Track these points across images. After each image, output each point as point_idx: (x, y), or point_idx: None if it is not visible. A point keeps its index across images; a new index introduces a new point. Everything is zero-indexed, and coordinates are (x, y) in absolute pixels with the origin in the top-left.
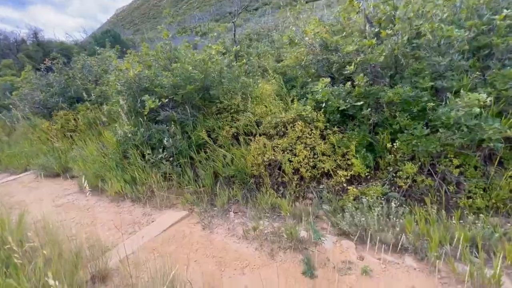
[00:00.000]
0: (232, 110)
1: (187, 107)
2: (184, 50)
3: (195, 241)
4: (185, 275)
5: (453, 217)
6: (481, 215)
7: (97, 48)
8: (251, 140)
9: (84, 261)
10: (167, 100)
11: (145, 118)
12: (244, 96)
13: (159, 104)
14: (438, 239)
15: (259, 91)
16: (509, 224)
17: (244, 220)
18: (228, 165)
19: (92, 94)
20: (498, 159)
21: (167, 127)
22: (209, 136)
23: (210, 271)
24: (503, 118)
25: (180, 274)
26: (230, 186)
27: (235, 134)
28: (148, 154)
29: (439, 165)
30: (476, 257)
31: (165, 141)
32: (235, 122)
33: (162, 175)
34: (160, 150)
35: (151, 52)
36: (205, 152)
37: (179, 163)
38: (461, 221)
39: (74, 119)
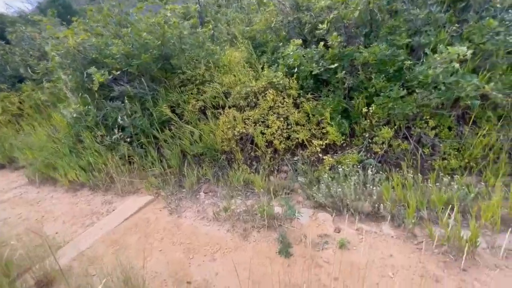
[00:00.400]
0: (197, 81)
1: (144, 80)
2: (136, 13)
3: (161, 228)
4: (149, 268)
5: (429, 180)
6: (455, 176)
7: (37, 17)
8: (220, 113)
9: (27, 264)
10: (119, 72)
11: (96, 95)
12: (209, 65)
13: (110, 77)
14: (415, 204)
15: (226, 59)
16: (482, 183)
17: (215, 201)
18: (196, 142)
19: (36, 71)
20: (472, 118)
21: (124, 104)
22: (173, 111)
23: (177, 260)
24: (479, 74)
25: (144, 267)
26: (199, 165)
27: (202, 108)
28: (102, 135)
29: (415, 127)
30: (452, 219)
31: (119, 120)
32: (201, 95)
33: (121, 158)
34: (116, 130)
35: (97, 17)
36: (170, 130)
37: (140, 144)
38: (437, 183)
39: (20, 102)
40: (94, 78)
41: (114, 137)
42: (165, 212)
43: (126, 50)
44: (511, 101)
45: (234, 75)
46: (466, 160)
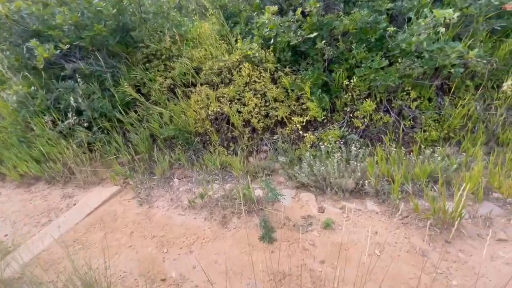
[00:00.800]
0: (164, 57)
1: (100, 55)
2: None
3: (130, 221)
4: (117, 267)
5: (412, 153)
6: (437, 147)
7: None
8: (191, 92)
9: None
10: (68, 47)
11: (43, 74)
12: (176, 37)
13: (58, 52)
14: (400, 179)
15: (195, 32)
16: (463, 154)
17: (190, 187)
18: (166, 124)
19: None
20: (454, 87)
21: (77, 84)
22: (138, 91)
23: (150, 255)
24: (461, 41)
25: (110, 267)
26: (171, 149)
27: (171, 86)
28: (53, 121)
29: (396, 100)
30: (437, 191)
31: (72, 102)
32: (169, 72)
33: (80, 146)
34: (71, 114)
35: None
36: (136, 112)
37: (102, 129)
38: (420, 156)
39: None
40: (37, 54)
41: (66, 122)
42: (134, 203)
43: (74, 20)
44: (488, 69)
45: (205, 49)
46: (446, 131)
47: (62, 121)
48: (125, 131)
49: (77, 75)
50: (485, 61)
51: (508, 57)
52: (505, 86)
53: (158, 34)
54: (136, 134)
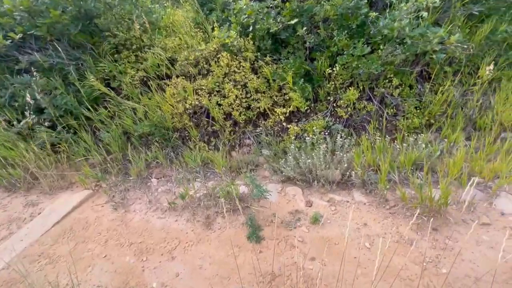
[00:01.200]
0: (134, 47)
1: (58, 45)
2: None
3: (104, 229)
4: (90, 281)
5: (396, 141)
6: (420, 135)
7: None
8: (166, 84)
9: None
10: (21, 36)
11: None
12: (146, 25)
13: (10, 42)
14: (386, 168)
15: (168, 19)
16: (445, 140)
17: (170, 187)
18: (140, 120)
19: None
20: (433, 74)
21: (35, 79)
22: (108, 85)
23: (127, 265)
24: (441, 27)
25: (83, 281)
26: (147, 147)
27: (144, 79)
28: (7, 121)
29: (378, 87)
30: (422, 179)
31: (28, 99)
32: (141, 63)
33: (42, 148)
34: (28, 113)
35: None
36: (106, 108)
37: (68, 128)
38: (404, 144)
39: None
40: None
41: (24, 122)
42: (108, 208)
43: (25, 5)
44: (465, 55)
45: (180, 38)
46: (427, 118)
47: (20, 121)
48: (95, 129)
49: (33, 68)
50: (465, 46)
51: (483, 42)
52: (487, 71)
53: (126, 22)
54: (108, 132)
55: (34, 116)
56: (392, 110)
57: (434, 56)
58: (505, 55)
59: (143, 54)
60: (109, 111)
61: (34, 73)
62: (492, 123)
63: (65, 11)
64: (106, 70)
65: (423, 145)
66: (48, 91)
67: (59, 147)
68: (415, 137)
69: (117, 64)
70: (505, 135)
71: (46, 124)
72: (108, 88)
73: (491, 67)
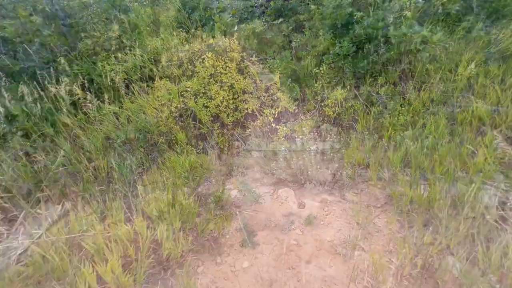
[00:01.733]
0: (113, 48)
1: (28, 48)
2: None
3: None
4: None
5: (383, 138)
6: (406, 132)
7: None
8: (150, 87)
9: None
10: None
11: None
12: (125, 25)
13: None
14: (376, 167)
15: (148, 19)
16: (430, 136)
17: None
18: (123, 125)
19: None
20: (417, 72)
21: (4, 84)
22: (87, 89)
23: None
24: (422, 26)
25: None
26: (132, 153)
27: (125, 82)
28: None
29: (363, 85)
30: (409, 176)
31: None
32: (121, 65)
33: (16, 159)
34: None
35: None
36: (85, 114)
37: (44, 136)
38: (392, 141)
39: None
40: None
41: None
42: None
43: None
44: (446, 53)
45: (162, 38)
46: (411, 115)
47: None
48: (74, 136)
49: (1, 73)
50: (446, 45)
51: (461, 41)
52: (469, 70)
53: (103, 22)
54: (88, 138)
55: (4, 125)
56: (378, 108)
57: (418, 55)
58: (481, 52)
59: (123, 56)
60: (88, 117)
61: (3, 78)
62: (472, 118)
63: (36, 10)
64: (83, 73)
65: (410, 143)
66: (20, 97)
67: (34, 157)
68: (401, 134)
69: (95, 66)
70: (485, 129)
71: (19, 133)
72: (87, 92)
73: (473, 65)
